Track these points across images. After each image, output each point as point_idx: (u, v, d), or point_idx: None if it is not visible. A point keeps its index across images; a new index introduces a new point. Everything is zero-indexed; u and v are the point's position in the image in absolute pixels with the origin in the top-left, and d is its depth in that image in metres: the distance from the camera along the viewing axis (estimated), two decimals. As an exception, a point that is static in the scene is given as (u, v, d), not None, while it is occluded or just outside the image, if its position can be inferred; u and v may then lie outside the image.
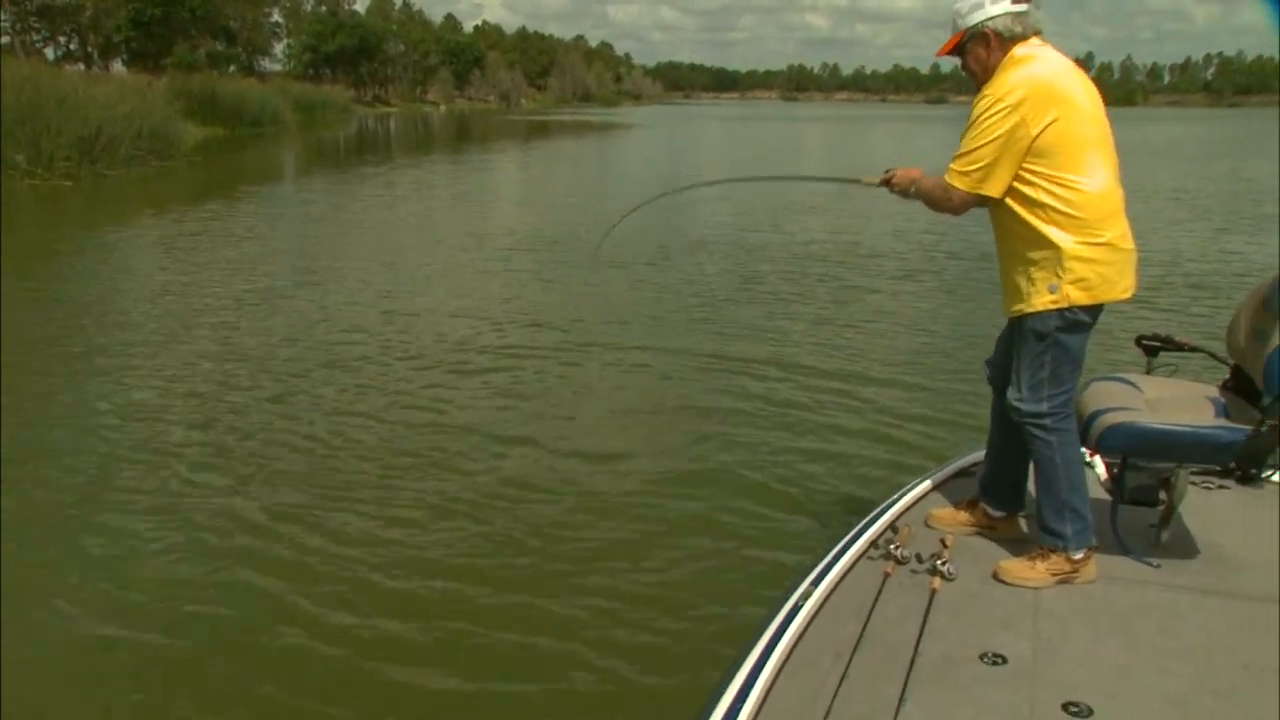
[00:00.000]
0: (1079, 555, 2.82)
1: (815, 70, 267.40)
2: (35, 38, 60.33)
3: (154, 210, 16.13)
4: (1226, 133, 53.16)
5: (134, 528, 4.48)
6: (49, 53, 59.98)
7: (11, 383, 6.48)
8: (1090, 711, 2.18)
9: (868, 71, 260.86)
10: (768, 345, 7.63)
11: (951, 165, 2.76)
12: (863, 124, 67.96)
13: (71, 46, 63.30)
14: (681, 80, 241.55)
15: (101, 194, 18.63)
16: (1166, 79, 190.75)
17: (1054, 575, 2.82)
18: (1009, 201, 2.75)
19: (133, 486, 4.93)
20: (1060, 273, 2.71)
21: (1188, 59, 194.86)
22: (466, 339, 7.94)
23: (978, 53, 2.80)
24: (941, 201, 2.82)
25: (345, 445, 5.54)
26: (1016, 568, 2.85)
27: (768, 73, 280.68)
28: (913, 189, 2.91)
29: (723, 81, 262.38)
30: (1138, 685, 2.31)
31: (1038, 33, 2.80)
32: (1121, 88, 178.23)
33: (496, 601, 3.82)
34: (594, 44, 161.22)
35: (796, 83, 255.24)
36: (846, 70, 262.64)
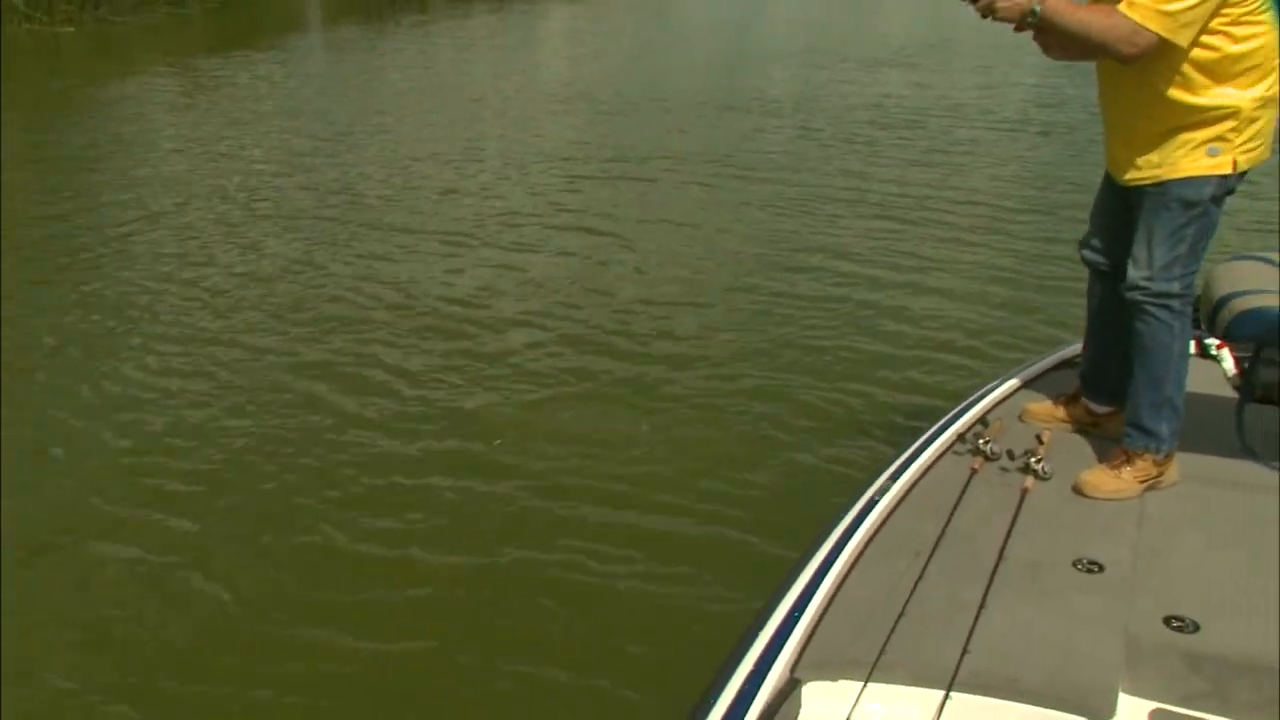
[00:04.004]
0: (1163, 456, 2.68)
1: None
2: None
3: (167, 61, 15.81)
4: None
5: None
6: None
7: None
8: (1196, 626, 2.10)
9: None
10: (849, 217, 7.32)
11: (1143, 0, 2.38)
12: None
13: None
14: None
15: (109, 42, 18.32)
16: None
17: (1141, 482, 2.67)
18: (1177, 51, 2.43)
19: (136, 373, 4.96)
20: (1231, 135, 2.48)
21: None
22: (517, 199, 7.90)
23: None
24: (1118, 41, 2.42)
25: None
26: (1101, 480, 2.69)
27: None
28: (1039, 12, 2.44)
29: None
30: (1253, 599, 2.20)
31: None
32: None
33: (566, 495, 3.88)
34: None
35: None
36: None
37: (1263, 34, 2.46)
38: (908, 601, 2.15)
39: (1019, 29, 2.54)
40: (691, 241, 6.83)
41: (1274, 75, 2.52)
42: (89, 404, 4.54)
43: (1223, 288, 2.90)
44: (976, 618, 2.09)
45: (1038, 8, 2.45)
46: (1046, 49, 2.71)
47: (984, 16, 2.51)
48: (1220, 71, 2.47)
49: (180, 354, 5.07)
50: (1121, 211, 2.74)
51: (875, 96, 12.44)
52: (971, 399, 3.20)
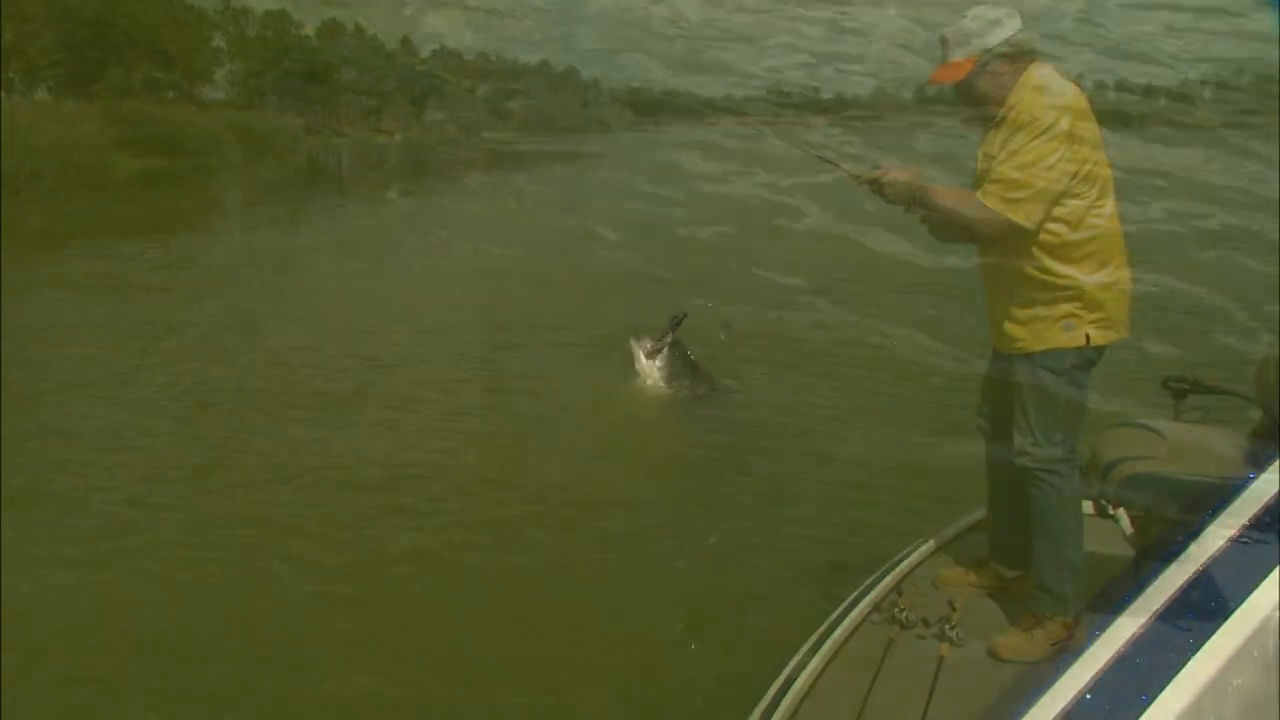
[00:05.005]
0: (1071, 617, 2.76)
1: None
2: (-49, 63, 59.77)
3: (86, 249, 15.75)
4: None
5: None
6: (-34, 79, 59.34)
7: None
8: None
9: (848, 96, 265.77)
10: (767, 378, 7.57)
11: (993, 189, 2.70)
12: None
13: (-8, 73, 62.65)
14: (653, 107, 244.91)
15: (22, 229, 18.19)
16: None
17: (1053, 644, 2.74)
18: (1027, 235, 2.72)
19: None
20: (1081, 312, 2.72)
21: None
22: (415, 373, 7.90)
23: (1000, 73, 2.77)
24: (975, 223, 2.74)
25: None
26: (1014, 642, 2.76)
27: (745, 99, 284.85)
28: (919, 196, 2.76)
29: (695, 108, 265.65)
30: None
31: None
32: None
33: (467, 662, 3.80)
34: (561, 69, 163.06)
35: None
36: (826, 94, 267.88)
37: (1101, 226, 2.76)
38: None
39: (907, 210, 2.83)
40: (605, 413, 6.99)
41: (1116, 263, 2.79)
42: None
43: (1110, 453, 3.05)
44: None
45: (918, 195, 2.76)
46: (933, 230, 2.99)
47: (891, 203, 2.81)
48: (1064, 255, 2.74)
49: (102, 520, 5.00)
50: (1006, 379, 2.94)
51: (776, 263, 12.84)
52: (887, 566, 3.25)
